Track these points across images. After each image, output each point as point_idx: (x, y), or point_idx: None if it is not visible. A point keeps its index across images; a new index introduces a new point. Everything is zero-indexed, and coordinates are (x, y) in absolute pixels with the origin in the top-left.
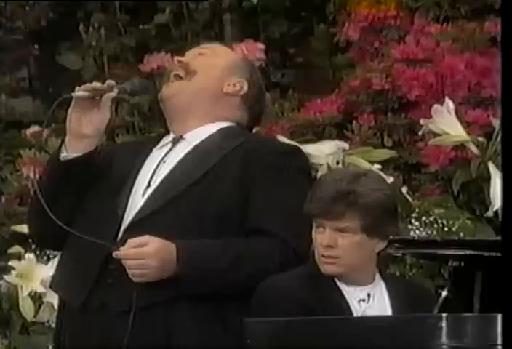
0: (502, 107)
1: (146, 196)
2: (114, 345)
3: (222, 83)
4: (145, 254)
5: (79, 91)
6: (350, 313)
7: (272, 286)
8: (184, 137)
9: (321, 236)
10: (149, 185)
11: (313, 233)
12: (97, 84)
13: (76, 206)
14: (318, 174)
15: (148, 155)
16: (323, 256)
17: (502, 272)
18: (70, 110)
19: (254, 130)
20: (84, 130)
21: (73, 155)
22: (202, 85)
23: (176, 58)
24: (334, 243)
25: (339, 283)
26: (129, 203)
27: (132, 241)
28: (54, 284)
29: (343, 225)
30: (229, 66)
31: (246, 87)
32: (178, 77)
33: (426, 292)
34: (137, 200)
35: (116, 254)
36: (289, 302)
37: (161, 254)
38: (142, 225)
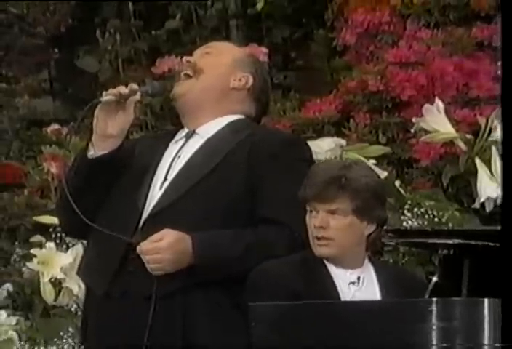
0: (502, 106)
1: (163, 189)
2: (135, 331)
3: (228, 79)
4: (159, 249)
5: (106, 96)
6: (338, 296)
7: (262, 271)
8: (196, 131)
9: (314, 219)
10: (165, 178)
11: (307, 217)
12: (122, 88)
13: (101, 200)
14: None
15: (165, 149)
16: (316, 238)
17: (502, 261)
18: (96, 112)
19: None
20: (109, 130)
21: (100, 153)
22: (210, 82)
23: (185, 58)
24: (326, 224)
25: (329, 267)
26: (149, 196)
27: (153, 237)
28: (81, 272)
29: (334, 207)
30: (234, 62)
31: (251, 81)
32: (187, 76)
33: (413, 277)
34: (156, 193)
35: (138, 250)
36: (276, 287)
37: (175, 247)
38: (161, 216)
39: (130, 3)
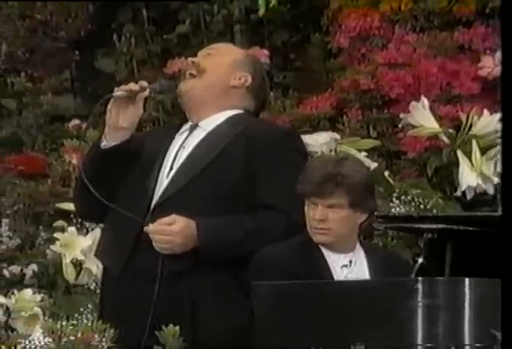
0: (502, 106)
1: (170, 178)
2: (146, 307)
3: (228, 78)
4: (171, 232)
5: (118, 92)
6: (332, 277)
7: (264, 255)
8: (199, 124)
9: (314, 212)
10: (172, 167)
11: (306, 208)
12: (132, 85)
13: (113, 186)
14: None
15: (171, 140)
16: (316, 228)
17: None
18: (109, 106)
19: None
20: (120, 123)
21: (112, 144)
22: (211, 81)
23: (189, 59)
24: (326, 218)
25: (324, 251)
26: (157, 184)
27: (162, 220)
28: (98, 253)
29: (332, 202)
30: (233, 63)
31: (250, 79)
32: (192, 75)
33: (399, 259)
34: (163, 181)
35: (146, 229)
36: (276, 269)
37: (184, 232)
38: (169, 202)
39: (144, 10)
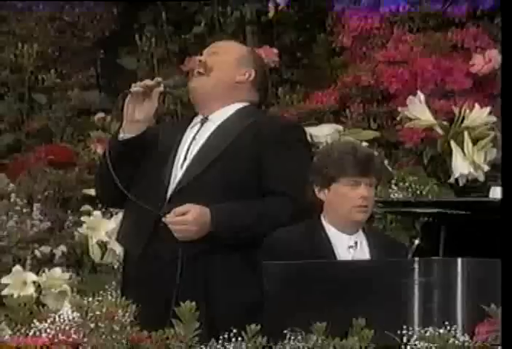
0: (502, 106)
1: (184, 168)
2: (165, 286)
3: (234, 74)
4: (187, 221)
5: (135, 88)
6: (335, 257)
7: (276, 237)
8: (209, 118)
9: (358, 191)
10: (185, 158)
11: (342, 189)
12: (148, 81)
13: (131, 175)
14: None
15: (183, 133)
16: (360, 206)
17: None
18: (126, 101)
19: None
20: (136, 116)
21: (128, 136)
22: (218, 78)
23: (197, 58)
24: (370, 195)
25: (331, 233)
26: (172, 174)
27: (177, 210)
28: (120, 237)
29: (372, 181)
30: (238, 60)
31: (253, 74)
32: (200, 73)
33: (395, 242)
34: (178, 171)
35: (164, 220)
36: (286, 250)
37: (199, 219)
38: (184, 191)
39: (163, 12)
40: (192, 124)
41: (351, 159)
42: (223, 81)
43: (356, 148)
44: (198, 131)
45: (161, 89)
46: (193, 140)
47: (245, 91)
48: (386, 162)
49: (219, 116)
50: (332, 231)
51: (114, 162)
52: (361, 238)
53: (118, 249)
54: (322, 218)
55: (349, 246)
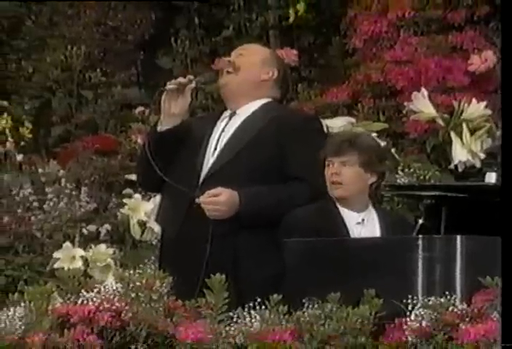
0: (502, 106)
1: (215, 157)
2: (198, 261)
3: (259, 73)
4: (218, 202)
5: (170, 85)
6: (348, 233)
7: (292, 216)
8: (237, 112)
9: (331, 168)
10: (215, 148)
11: (326, 170)
12: (181, 79)
13: (168, 162)
14: None
15: (214, 126)
16: (332, 183)
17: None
18: (163, 97)
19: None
20: (172, 110)
21: (165, 127)
22: (245, 77)
23: (226, 59)
24: (339, 172)
25: (341, 210)
26: (205, 161)
27: (210, 192)
28: (158, 218)
29: (345, 159)
30: (262, 61)
31: (276, 73)
32: (229, 72)
33: (403, 221)
34: (209, 159)
35: (197, 201)
36: (302, 228)
37: (229, 201)
38: (215, 176)
39: (196, 18)
40: (222, 118)
41: (327, 143)
42: (249, 79)
43: (337, 134)
44: (226, 125)
45: (193, 85)
46: (223, 132)
47: (268, 88)
48: (393, 150)
49: (245, 111)
50: (344, 211)
51: (153, 151)
52: (371, 215)
53: (156, 228)
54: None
55: (357, 223)
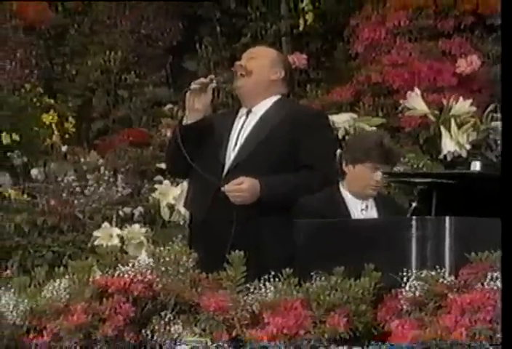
0: (502, 107)
1: (236, 150)
2: (223, 240)
3: (268, 74)
4: (242, 190)
5: (194, 84)
6: (349, 216)
7: (305, 200)
8: (252, 110)
9: (377, 174)
10: (236, 143)
11: (364, 170)
12: (203, 79)
13: (192, 153)
14: (339, 133)
15: (233, 122)
16: (373, 186)
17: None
18: (188, 95)
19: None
20: (196, 106)
21: (190, 121)
22: (257, 78)
23: (239, 63)
24: (382, 179)
25: (347, 199)
26: (227, 155)
27: (234, 181)
28: (186, 204)
29: (387, 167)
30: (271, 62)
31: (283, 73)
32: (242, 75)
33: (397, 204)
34: (231, 153)
35: (223, 189)
36: (313, 212)
37: (251, 188)
38: (237, 167)
39: (218, 27)
40: (239, 115)
41: (378, 150)
42: (261, 80)
43: (383, 142)
44: (244, 122)
45: (214, 84)
46: (242, 129)
47: (278, 86)
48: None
49: (260, 108)
50: (348, 197)
51: (181, 141)
52: (371, 202)
53: (183, 210)
54: (341, 186)
55: (361, 209)
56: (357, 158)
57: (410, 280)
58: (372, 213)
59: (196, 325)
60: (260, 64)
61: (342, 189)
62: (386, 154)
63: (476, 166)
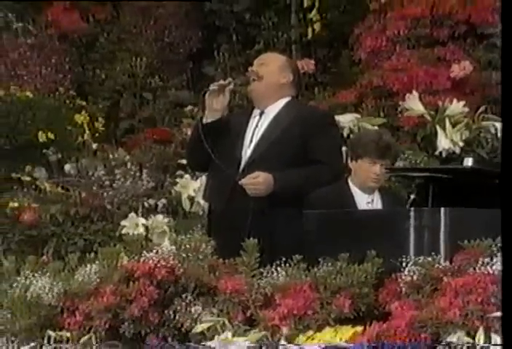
0: (502, 107)
1: (251, 148)
2: (240, 229)
3: (278, 78)
4: (257, 183)
5: (213, 86)
6: (356, 208)
7: (316, 193)
8: (265, 111)
9: (375, 168)
10: (251, 141)
11: (364, 165)
12: (222, 81)
13: (212, 150)
14: (344, 132)
15: (248, 122)
16: (373, 178)
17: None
18: (207, 96)
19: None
20: (214, 106)
21: (209, 120)
22: (268, 83)
23: (251, 68)
24: (381, 172)
25: (354, 193)
26: (243, 152)
27: (250, 175)
28: (205, 197)
29: (386, 161)
30: (280, 67)
31: (291, 77)
32: (254, 80)
33: (398, 196)
34: (247, 150)
35: (240, 182)
36: (323, 205)
37: (265, 182)
38: (253, 164)
39: (234, 35)
40: (253, 115)
41: (374, 146)
42: (272, 83)
43: (380, 138)
44: (258, 121)
45: (232, 86)
46: (256, 128)
47: (287, 89)
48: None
49: (272, 109)
50: (356, 191)
51: (200, 139)
52: (376, 196)
53: (202, 202)
54: (349, 180)
55: (367, 202)
56: (358, 154)
57: (409, 265)
58: (377, 206)
59: (214, 306)
60: (270, 69)
61: (350, 184)
62: (383, 150)
63: (469, 161)
